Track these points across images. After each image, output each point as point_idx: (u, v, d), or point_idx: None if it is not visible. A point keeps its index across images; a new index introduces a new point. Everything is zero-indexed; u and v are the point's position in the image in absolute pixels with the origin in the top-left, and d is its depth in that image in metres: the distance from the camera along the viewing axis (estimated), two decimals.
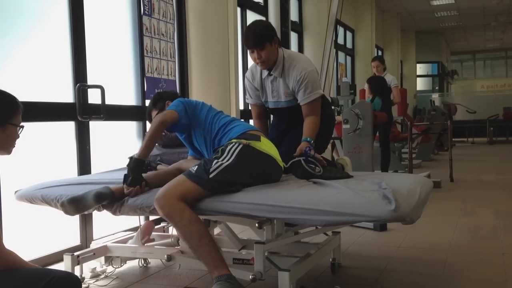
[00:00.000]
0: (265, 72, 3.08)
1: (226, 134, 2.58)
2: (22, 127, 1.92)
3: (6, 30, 3.02)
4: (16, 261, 1.78)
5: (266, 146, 2.52)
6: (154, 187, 2.47)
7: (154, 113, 2.83)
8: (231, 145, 2.41)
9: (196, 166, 2.34)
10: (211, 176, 2.28)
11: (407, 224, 2.06)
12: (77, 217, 3.37)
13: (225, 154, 2.37)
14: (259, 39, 2.86)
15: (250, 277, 2.28)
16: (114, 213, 2.49)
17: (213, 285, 2.18)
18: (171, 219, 2.28)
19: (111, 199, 2.44)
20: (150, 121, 2.85)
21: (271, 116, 3.47)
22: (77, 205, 2.40)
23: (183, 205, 2.24)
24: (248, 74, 3.22)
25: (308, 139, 2.89)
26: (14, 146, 1.95)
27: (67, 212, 2.43)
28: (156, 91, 4.20)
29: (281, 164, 2.56)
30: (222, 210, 2.26)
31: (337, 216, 2.07)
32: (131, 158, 2.48)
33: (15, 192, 2.75)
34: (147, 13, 4.12)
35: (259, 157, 2.44)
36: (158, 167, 2.92)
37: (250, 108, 3.41)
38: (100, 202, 2.41)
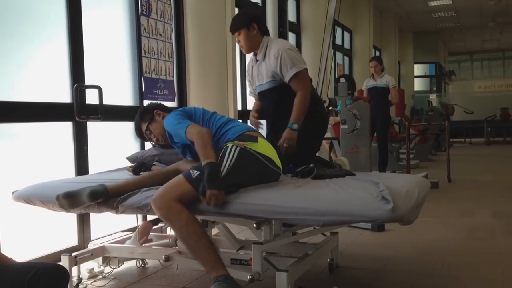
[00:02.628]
0: (254, 59, 3.28)
1: (224, 135, 2.58)
2: None
3: (5, 31, 3.01)
4: (3, 259, 1.78)
5: (264, 147, 2.53)
6: (154, 186, 2.48)
7: (144, 125, 2.79)
8: (229, 149, 2.40)
9: (196, 171, 2.31)
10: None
11: (405, 225, 2.07)
12: (74, 218, 3.36)
13: (224, 160, 2.35)
14: (236, 24, 3.13)
15: (248, 277, 2.27)
16: (114, 211, 2.49)
17: (211, 285, 2.18)
18: (168, 220, 2.28)
19: (105, 197, 2.45)
20: (141, 137, 2.86)
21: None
22: (71, 200, 2.41)
23: (180, 206, 2.24)
24: (247, 65, 3.39)
25: (291, 125, 2.99)
26: None
27: (62, 206, 2.44)
28: (153, 91, 4.21)
29: (279, 164, 2.56)
30: (219, 211, 2.26)
31: (334, 216, 2.07)
32: (200, 167, 2.29)
33: (13, 192, 2.75)
34: (145, 13, 4.11)
35: (256, 160, 2.43)
36: (153, 167, 2.92)
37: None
38: (95, 200, 2.42)
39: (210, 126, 2.62)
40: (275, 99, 3.21)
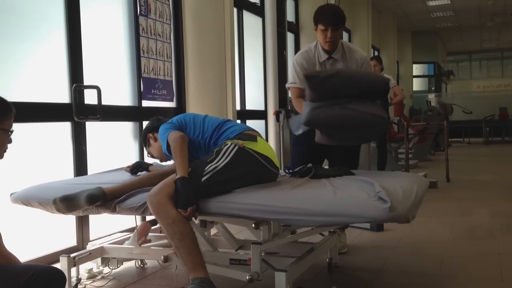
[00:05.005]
0: (323, 56, 3.19)
1: (222, 135, 2.58)
2: (12, 131, 1.90)
3: (3, 30, 3.01)
4: (13, 262, 1.78)
5: (263, 146, 2.52)
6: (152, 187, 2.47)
7: (146, 151, 2.88)
8: (226, 147, 2.41)
9: (190, 168, 2.33)
10: (202, 180, 2.29)
11: (403, 223, 2.06)
12: (73, 218, 3.36)
13: (219, 157, 2.37)
14: (340, 19, 3.09)
15: (247, 277, 2.27)
16: (111, 212, 2.49)
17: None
18: (157, 216, 2.29)
19: (103, 201, 2.44)
20: (151, 156, 2.87)
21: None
22: (68, 203, 2.40)
23: (171, 204, 2.24)
24: (299, 59, 3.24)
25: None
26: (6, 151, 1.92)
27: (59, 210, 2.43)
28: (152, 91, 4.20)
29: (278, 164, 2.56)
30: (216, 211, 2.26)
31: (331, 217, 2.06)
32: (176, 182, 2.30)
33: (11, 194, 2.74)
34: (143, 13, 4.11)
35: (254, 159, 2.43)
36: (151, 168, 2.92)
37: (289, 90, 3.47)
38: (92, 204, 2.41)
39: (205, 127, 2.61)
40: None
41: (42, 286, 1.66)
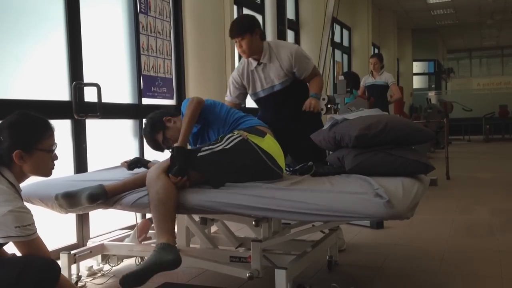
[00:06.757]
0: (253, 64, 3.27)
1: (238, 125, 2.67)
2: (54, 149, 1.91)
3: (3, 28, 3.01)
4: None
5: (268, 144, 2.53)
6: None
7: (159, 136, 2.74)
8: (231, 135, 2.48)
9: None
10: (199, 154, 2.38)
11: (402, 220, 2.06)
12: (73, 216, 3.36)
13: (223, 141, 2.44)
14: (240, 29, 3.13)
15: (247, 275, 2.27)
16: (112, 208, 2.49)
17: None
18: (147, 186, 2.35)
19: (104, 199, 2.43)
20: (159, 148, 2.81)
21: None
22: (70, 200, 2.41)
23: (162, 175, 2.31)
24: (235, 73, 3.39)
25: (315, 95, 3.23)
26: (53, 168, 1.94)
27: (61, 206, 2.43)
28: (152, 89, 4.20)
29: (283, 165, 2.56)
30: (216, 207, 2.24)
31: (331, 214, 2.06)
32: (172, 148, 2.45)
33: None
34: (143, 11, 4.11)
35: (255, 154, 2.44)
36: (149, 164, 2.91)
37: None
38: (93, 203, 2.40)
39: (229, 117, 2.72)
40: (282, 100, 3.26)
41: (36, 276, 1.66)
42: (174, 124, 2.72)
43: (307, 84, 3.33)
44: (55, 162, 1.95)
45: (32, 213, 1.85)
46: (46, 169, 1.93)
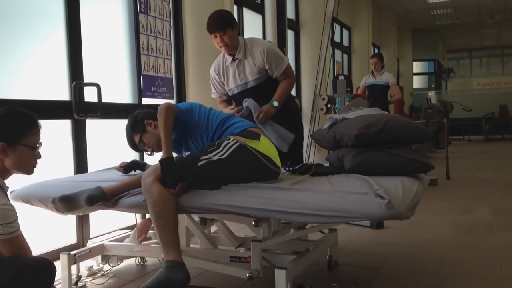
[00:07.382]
0: (229, 59, 3.29)
1: (227, 129, 2.59)
2: (38, 147, 1.88)
3: (3, 28, 3.01)
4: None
5: (265, 146, 2.52)
6: None
7: (136, 138, 2.67)
8: (228, 141, 2.42)
9: (189, 152, 2.37)
10: (199, 164, 2.32)
11: (402, 220, 2.06)
12: (73, 216, 3.36)
13: (220, 148, 2.38)
14: (222, 23, 3.13)
15: (247, 275, 2.27)
16: (111, 209, 2.49)
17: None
18: (144, 196, 2.32)
19: (103, 201, 2.42)
20: (135, 149, 2.75)
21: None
22: (68, 203, 2.38)
23: (156, 184, 2.27)
24: (212, 70, 3.41)
25: (273, 102, 3.16)
26: (35, 166, 1.91)
27: (58, 210, 2.41)
28: (152, 89, 4.20)
29: (279, 163, 2.56)
30: (215, 208, 2.24)
31: (331, 214, 2.06)
32: (160, 161, 2.37)
33: (11, 192, 2.73)
34: (143, 11, 4.11)
35: (254, 158, 2.43)
36: (146, 167, 2.89)
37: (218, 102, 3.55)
38: (92, 205, 2.39)
39: (210, 120, 2.62)
40: (258, 96, 3.21)
41: (31, 275, 1.66)
42: (154, 129, 2.63)
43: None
44: (38, 161, 1.92)
45: (15, 209, 1.81)
46: (28, 166, 1.91)
